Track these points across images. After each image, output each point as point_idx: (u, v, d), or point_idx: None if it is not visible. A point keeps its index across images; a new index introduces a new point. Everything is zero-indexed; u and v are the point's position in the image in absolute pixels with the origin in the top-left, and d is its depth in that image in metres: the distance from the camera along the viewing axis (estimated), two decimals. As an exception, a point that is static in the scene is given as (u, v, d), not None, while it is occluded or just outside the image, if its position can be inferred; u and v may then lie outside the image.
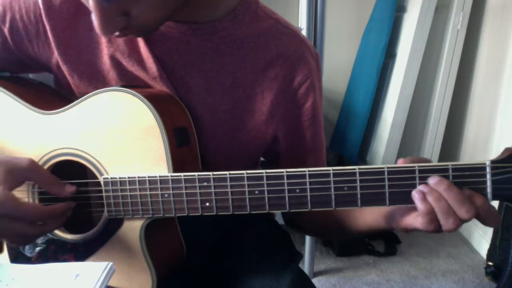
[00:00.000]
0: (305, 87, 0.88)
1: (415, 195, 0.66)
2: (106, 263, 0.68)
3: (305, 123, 0.90)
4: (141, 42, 0.82)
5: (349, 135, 2.81)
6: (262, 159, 1.03)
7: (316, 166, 0.89)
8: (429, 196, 0.65)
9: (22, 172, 0.73)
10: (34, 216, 0.72)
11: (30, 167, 0.73)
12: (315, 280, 2.20)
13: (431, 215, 0.65)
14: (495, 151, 2.30)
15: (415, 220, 0.68)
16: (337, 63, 2.93)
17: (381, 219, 0.77)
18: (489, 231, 2.22)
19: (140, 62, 0.83)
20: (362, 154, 2.85)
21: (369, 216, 0.81)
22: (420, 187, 0.66)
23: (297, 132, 0.91)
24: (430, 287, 2.16)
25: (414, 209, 0.68)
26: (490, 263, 2.18)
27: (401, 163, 0.69)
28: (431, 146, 2.65)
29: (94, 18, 0.66)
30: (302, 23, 1.87)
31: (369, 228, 0.82)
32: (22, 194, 0.83)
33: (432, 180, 0.65)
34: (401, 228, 0.71)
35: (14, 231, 0.71)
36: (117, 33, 0.70)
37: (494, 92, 2.36)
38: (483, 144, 2.44)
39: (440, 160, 2.68)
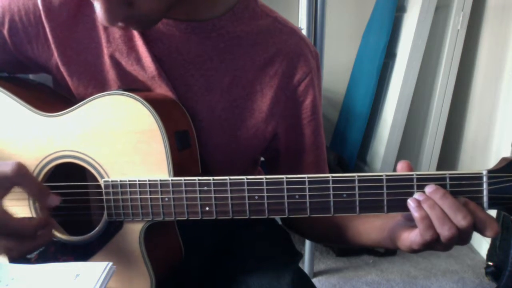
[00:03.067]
0: (304, 84, 0.88)
1: (410, 203, 0.67)
2: (106, 263, 0.68)
3: (304, 120, 0.90)
4: (139, 41, 0.82)
5: (349, 135, 2.81)
6: (262, 159, 1.03)
7: (317, 164, 0.90)
8: (424, 204, 0.66)
9: (9, 178, 0.70)
10: (21, 231, 0.70)
11: (16, 173, 0.70)
12: (315, 280, 2.20)
13: (427, 221, 0.65)
14: (494, 151, 2.30)
15: (415, 232, 0.68)
16: (337, 63, 2.93)
17: (386, 239, 0.77)
18: (489, 231, 2.22)
19: (139, 61, 0.83)
20: (362, 154, 2.85)
21: (374, 235, 0.81)
22: (416, 196, 0.67)
23: (297, 129, 0.91)
24: (430, 287, 2.17)
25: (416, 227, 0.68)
26: (490, 263, 2.18)
27: (399, 168, 0.69)
28: (431, 146, 2.65)
29: (98, 7, 0.66)
30: (302, 23, 1.87)
31: (373, 244, 0.82)
32: (22, 201, 0.83)
33: (428, 188, 0.66)
34: (406, 245, 0.70)
35: (4, 247, 0.70)
36: (120, 24, 0.70)
37: (494, 92, 2.36)
38: (483, 144, 2.44)
39: (440, 160, 2.68)
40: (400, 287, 2.16)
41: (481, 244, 2.41)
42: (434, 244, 0.67)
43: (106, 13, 0.66)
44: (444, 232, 0.64)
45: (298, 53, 0.88)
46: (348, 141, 2.81)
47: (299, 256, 0.96)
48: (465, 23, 2.48)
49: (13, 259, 0.82)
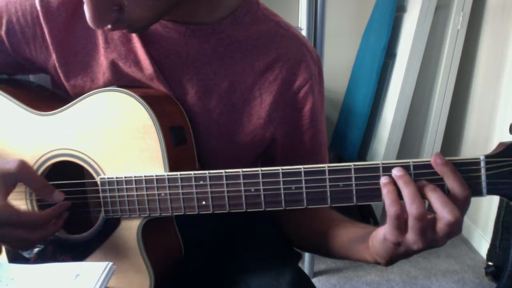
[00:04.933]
0: (304, 91, 0.87)
1: (382, 179, 0.66)
2: (106, 263, 0.68)
3: (303, 127, 0.89)
4: (137, 43, 0.82)
5: (349, 135, 2.81)
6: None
7: None
8: (399, 180, 0.65)
9: (13, 175, 0.73)
10: (32, 222, 0.72)
11: (20, 170, 0.73)
12: (315, 280, 2.20)
13: (392, 194, 0.65)
14: (495, 151, 2.28)
15: (387, 223, 0.67)
16: (337, 63, 2.93)
17: (365, 248, 0.76)
18: (489, 231, 2.22)
19: (137, 63, 0.82)
20: (362, 154, 2.85)
21: (356, 243, 0.80)
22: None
23: (295, 135, 0.90)
24: (430, 287, 2.16)
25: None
26: (490, 263, 2.17)
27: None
28: (431, 146, 2.65)
29: (86, 10, 0.66)
30: (302, 23, 1.87)
31: (354, 254, 0.81)
32: (21, 201, 0.83)
33: (396, 171, 0.66)
34: (380, 239, 0.70)
35: (14, 238, 0.72)
36: (109, 26, 0.70)
37: (494, 91, 2.35)
38: (483, 144, 2.44)
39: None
40: (400, 287, 2.16)
41: (481, 244, 2.41)
42: (404, 232, 0.66)
43: (94, 16, 0.66)
44: (413, 210, 0.63)
45: (299, 59, 0.87)
46: (348, 141, 2.80)
47: (299, 256, 0.96)
48: (465, 23, 2.47)
49: (24, 249, 0.83)
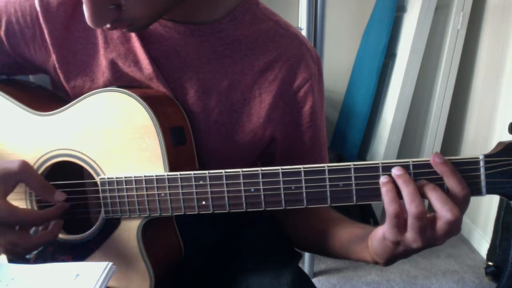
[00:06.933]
0: (304, 91, 0.87)
1: (382, 179, 0.66)
2: (106, 263, 0.68)
3: (303, 126, 0.89)
4: (137, 43, 0.82)
5: (349, 135, 2.81)
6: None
7: None
8: (398, 179, 0.65)
9: (14, 175, 0.73)
10: (30, 221, 0.73)
11: (22, 170, 0.74)
12: (315, 280, 2.20)
13: (391, 193, 0.65)
14: (495, 151, 2.28)
15: (386, 222, 0.67)
16: (337, 63, 2.93)
17: (364, 247, 0.76)
18: (489, 231, 2.22)
19: (136, 63, 0.82)
20: (362, 154, 2.85)
21: (355, 243, 0.80)
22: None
23: (294, 135, 0.90)
24: (430, 287, 2.16)
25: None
26: (490, 263, 2.17)
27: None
28: (431, 146, 2.65)
29: (85, 9, 0.66)
30: (302, 23, 1.87)
31: (353, 253, 0.81)
32: (20, 201, 0.83)
33: (395, 170, 0.66)
34: (379, 237, 0.70)
35: (9, 241, 0.72)
36: (108, 25, 0.70)
37: (494, 91, 2.35)
38: (483, 144, 2.44)
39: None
40: (400, 287, 2.16)
41: (481, 244, 2.41)
42: (403, 231, 0.66)
43: (93, 15, 0.66)
44: (412, 209, 0.63)
45: (299, 59, 0.87)
46: (348, 141, 2.80)
47: (299, 256, 0.96)
48: (465, 23, 2.48)
49: (16, 256, 0.82)
